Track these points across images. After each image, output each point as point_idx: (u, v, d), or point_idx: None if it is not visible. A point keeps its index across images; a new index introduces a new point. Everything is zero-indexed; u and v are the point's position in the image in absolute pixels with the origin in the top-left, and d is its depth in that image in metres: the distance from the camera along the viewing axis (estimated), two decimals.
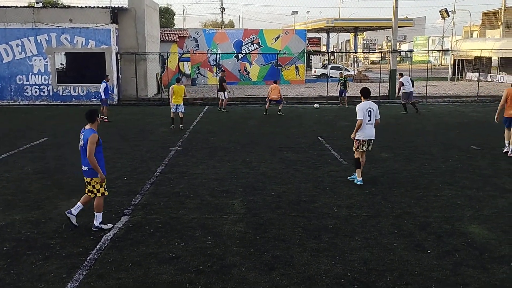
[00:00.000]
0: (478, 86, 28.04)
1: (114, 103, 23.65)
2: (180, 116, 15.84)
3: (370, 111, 8.63)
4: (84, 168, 6.42)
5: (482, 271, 5.21)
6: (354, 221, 6.85)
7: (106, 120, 17.35)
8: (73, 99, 24.14)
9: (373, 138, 8.78)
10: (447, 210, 7.32)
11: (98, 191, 6.46)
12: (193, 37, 36.05)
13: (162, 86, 28.21)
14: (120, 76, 24.94)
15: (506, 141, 11.40)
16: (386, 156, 11.29)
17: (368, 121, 8.65)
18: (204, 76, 36.47)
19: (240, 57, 36.49)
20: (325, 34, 62.98)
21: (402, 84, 19.98)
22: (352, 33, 61.40)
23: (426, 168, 10.05)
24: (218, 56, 34.54)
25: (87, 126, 6.50)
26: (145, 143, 13.15)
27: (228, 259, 5.56)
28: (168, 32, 35.65)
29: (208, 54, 35.44)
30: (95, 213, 6.49)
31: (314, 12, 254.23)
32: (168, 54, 30.00)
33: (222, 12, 63.71)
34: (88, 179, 6.44)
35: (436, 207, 7.47)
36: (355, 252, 5.77)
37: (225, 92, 21.05)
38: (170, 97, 15.90)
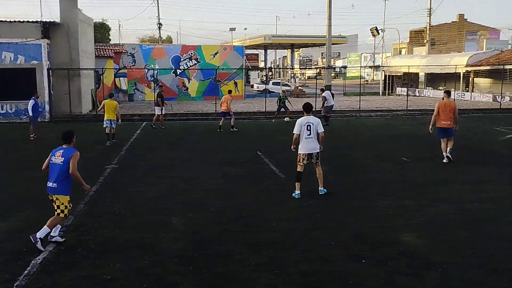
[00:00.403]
0: (407, 100, 29.48)
1: (46, 120, 22.67)
2: (112, 132, 15.69)
3: (309, 125, 8.77)
4: (53, 185, 6.43)
5: (414, 278, 5.43)
6: (294, 234, 6.93)
7: (32, 137, 16.61)
8: (1, 116, 22.88)
9: (315, 151, 8.86)
10: (381, 220, 7.59)
11: (62, 211, 6.44)
12: (130, 53, 35.41)
13: (97, 102, 27.39)
14: (52, 92, 23.98)
15: (444, 151, 12.15)
16: (323, 169, 11.53)
17: (308, 135, 8.77)
18: (141, 92, 35.83)
19: (178, 73, 36.24)
20: (263, 50, 64.08)
21: (325, 98, 21.04)
22: (288, 50, 62.84)
23: (361, 180, 10.38)
24: (156, 72, 34.11)
25: (65, 146, 6.67)
26: (79, 162, 12.63)
27: (167, 278, 5.44)
28: (103, 47, 34.83)
29: (146, 70, 34.92)
30: (45, 226, 6.31)
31: (251, 29, 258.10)
32: (104, 69, 29.26)
33: (159, 27, 63.15)
34: (55, 197, 6.42)
35: (371, 217, 7.73)
36: (295, 265, 5.83)
37: (162, 108, 20.59)
38: (100, 110, 15.85)
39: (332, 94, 21.99)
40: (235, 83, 37.77)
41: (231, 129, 18.90)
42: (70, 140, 6.75)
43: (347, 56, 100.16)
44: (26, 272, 5.57)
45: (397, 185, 9.90)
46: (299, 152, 8.90)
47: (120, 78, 34.61)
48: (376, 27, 52.84)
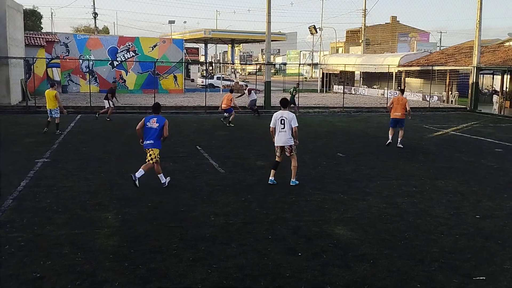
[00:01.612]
0: (343, 98, 30.42)
1: None
2: (56, 122, 15.69)
3: (282, 119, 9.34)
4: (150, 142, 9.07)
5: (346, 270, 5.63)
6: (231, 229, 6.97)
7: None
8: None
9: (288, 144, 9.38)
10: (316, 213, 7.80)
11: (154, 159, 9.13)
12: (63, 42, 33.93)
13: (28, 93, 26.05)
14: None
15: (390, 135, 14.58)
16: (261, 164, 11.70)
17: (282, 128, 9.36)
18: (76, 83, 34.48)
19: (115, 65, 35.19)
20: (203, 44, 63.59)
21: (249, 92, 23.68)
22: (229, 45, 62.75)
23: (298, 175, 10.58)
24: (91, 63, 32.92)
25: (155, 114, 9.24)
26: (7, 155, 12.02)
27: (100, 275, 5.30)
28: (34, 36, 33.10)
29: (80, 61, 33.61)
30: (140, 169, 9.02)
31: (191, 23, 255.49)
32: (34, 59, 27.84)
33: (95, 17, 60.96)
34: (151, 151, 9.11)
35: (307, 211, 7.92)
36: (231, 259, 5.87)
37: (110, 101, 20.57)
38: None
39: (254, 89, 24.62)
40: (175, 77, 37.26)
41: (228, 125, 19.12)
42: (159, 111, 9.34)
43: (287, 53, 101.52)
44: None
45: (332, 180, 10.20)
46: (275, 144, 9.52)
47: (53, 68, 33.08)
48: (314, 25, 54.02)
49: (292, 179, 9.61)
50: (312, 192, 9.15)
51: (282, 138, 9.42)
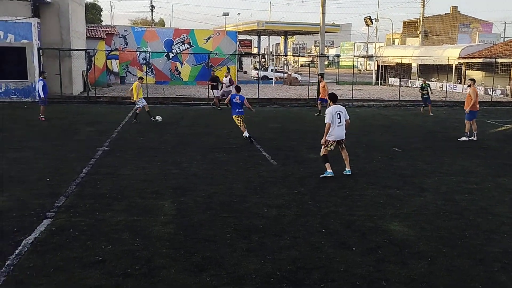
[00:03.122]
0: (400, 91, 29.60)
1: (36, 100, 22.44)
2: (137, 111, 17.03)
3: (339, 113, 9.40)
4: (239, 111, 13.46)
5: (402, 266, 5.51)
6: (283, 221, 6.97)
7: (43, 119, 16.52)
8: None
9: (344, 138, 9.58)
10: (370, 208, 7.66)
11: (243, 123, 13.60)
12: (122, 35, 35.06)
13: (88, 84, 27.17)
14: (45, 71, 23.69)
15: (467, 132, 14.45)
16: (314, 157, 11.60)
17: (339, 123, 9.39)
18: (133, 74, 35.54)
19: (171, 57, 35.97)
20: (256, 36, 63.68)
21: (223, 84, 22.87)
22: (282, 37, 62.49)
23: (352, 169, 10.43)
24: (148, 54, 33.82)
25: (238, 93, 13.73)
26: (70, 143, 12.60)
27: (157, 261, 5.46)
28: (95, 28, 34.40)
29: (138, 53, 34.61)
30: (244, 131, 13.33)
31: (245, 15, 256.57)
32: (95, 51, 28.95)
33: (151, 10, 62.51)
34: (241, 117, 13.51)
35: (361, 206, 7.79)
36: (284, 251, 5.88)
37: (214, 90, 22.14)
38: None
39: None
40: (228, 69, 37.60)
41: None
42: (240, 90, 13.92)
43: (341, 44, 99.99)
44: (17, 251, 5.57)
45: (387, 175, 9.97)
46: (327, 139, 9.44)
47: (112, 60, 34.31)
48: (370, 16, 52.80)
49: (347, 169, 9.76)
50: (366, 186, 8.99)
51: (340, 132, 9.46)
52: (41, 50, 23.23)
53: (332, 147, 9.52)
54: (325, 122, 9.45)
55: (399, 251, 5.94)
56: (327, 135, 9.46)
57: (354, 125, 17.80)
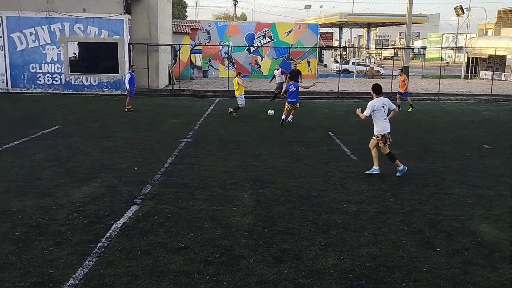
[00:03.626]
0: (492, 84, 27.73)
1: (125, 93, 23.76)
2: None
3: (384, 106, 8.95)
4: (294, 100, 14.75)
5: (492, 270, 5.18)
6: (363, 217, 6.83)
7: (127, 109, 17.56)
8: (85, 88, 24.27)
9: (389, 130, 9.10)
10: (457, 208, 7.28)
11: (296, 108, 15.07)
12: (205, 29, 36.04)
13: (173, 77, 28.27)
14: (135, 66, 25.04)
15: None
16: (397, 153, 11.19)
17: (384, 118, 8.97)
18: (215, 68, 36.48)
19: (252, 50, 36.42)
20: (338, 29, 62.61)
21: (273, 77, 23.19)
22: (365, 29, 60.92)
23: (437, 166, 9.98)
24: (230, 49, 34.49)
25: (291, 82, 15.06)
26: (155, 134, 13.21)
27: (237, 250, 5.58)
28: (180, 23, 35.65)
29: (220, 47, 35.41)
30: (283, 115, 14.77)
31: (327, 7, 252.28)
32: (180, 45, 30.03)
33: (235, 4, 63.58)
34: (293, 106, 14.82)
35: (447, 205, 7.42)
36: (364, 247, 5.76)
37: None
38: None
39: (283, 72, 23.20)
40: (308, 62, 37.39)
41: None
42: (297, 79, 15.08)
43: (427, 36, 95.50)
44: (107, 234, 5.95)
45: (476, 173, 9.41)
46: (381, 134, 8.96)
47: (196, 54, 35.39)
48: (461, 5, 49.90)
49: (375, 167, 9.23)
50: (453, 185, 8.54)
51: (388, 125, 9.02)
52: (131, 45, 24.52)
53: (390, 140, 9.13)
54: (364, 114, 9.04)
55: (488, 254, 5.59)
56: (378, 131, 8.99)
57: (441, 120, 17.02)
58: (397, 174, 9.07)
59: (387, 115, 9.08)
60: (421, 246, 5.83)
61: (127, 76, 18.05)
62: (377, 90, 9.07)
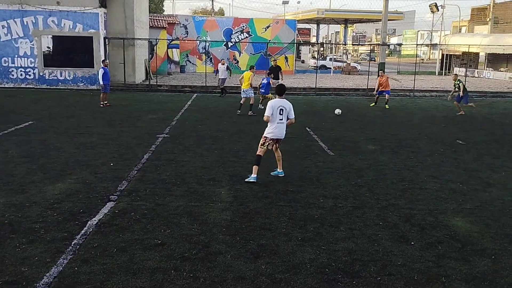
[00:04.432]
0: (465, 81, 28.22)
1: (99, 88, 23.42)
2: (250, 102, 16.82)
3: (281, 109, 8.21)
4: (263, 91, 15.89)
5: (464, 263, 5.30)
6: (340, 212, 6.89)
7: (102, 105, 17.32)
8: (59, 83, 23.83)
9: (282, 137, 8.43)
10: (431, 202, 7.41)
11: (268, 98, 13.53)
12: (183, 24, 35.75)
13: (150, 72, 27.98)
14: (108, 61, 24.67)
15: None
16: (373, 148, 11.37)
17: (280, 120, 8.23)
18: (193, 63, 36.25)
19: (229, 46, 36.30)
20: (315, 25, 62.89)
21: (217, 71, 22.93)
22: (342, 25, 61.30)
23: (412, 161, 10.14)
24: (207, 44, 34.31)
25: (268, 76, 14.50)
26: (132, 130, 13.06)
27: (214, 246, 5.57)
28: (157, 18, 35.28)
29: (198, 42, 35.19)
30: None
31: (304, 3, 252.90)
32: (157, 40, 29.73)
33: None
34: (268, 95, 13.73)
35: (421, 199, 7.56)
36: (340, 242, 5.82)
37: (278, 81, 21.68)
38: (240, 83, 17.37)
39: (230, 70, 23.19)
40: (286, 58, 37.46)
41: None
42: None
43: (403, 33, 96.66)
44: (82, 232, 5.86)
45: (450, 168, 9.60)
46: (265, 135, 8.32)
47: (173, 49, 35.08)
48: (435, 3, 50.62)
49: (279, 169, 8.67)
50: (427, 180, 8.70)
51: (280, 131, 8.28)
52: (106, 40, 24.15)
53: (269, 147, 8.35)
54: (265, 114, 8.27)
55: (461, 248, 5.72)
56: (267, 132, 8.33)
57: (416, 116, 17.28)
58: (246, 179, 8.28)
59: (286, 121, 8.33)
60: (396, 240, 5.92)
61: (101, 71, 17.76)
62: (278, 91, 8.42)
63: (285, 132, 8.40)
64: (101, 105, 17.42)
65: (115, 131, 12.81)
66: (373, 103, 19.87)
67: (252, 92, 16.84)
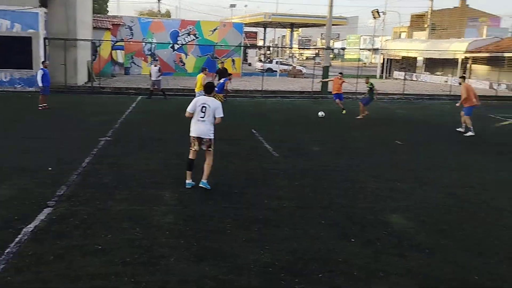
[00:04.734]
0: (404, 84, 29.47)
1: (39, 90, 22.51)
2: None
3: (204, 106, 7.83)
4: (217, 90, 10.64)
5: (400, 258, 5.52)
6: (284, 212, 6.99)
7: (41, 107, 16.62)
8: None
9: (206, 137, 7.91)
10: (371, 201, 7.67)
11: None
12: (128, 25, 35.00)
13: (93, 74, 27.18)
14: (48, 62, 23.73)
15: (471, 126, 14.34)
16: (317, 150, 11.61)
17: (201, 117, 7.85)
18: (138, 65, 35.55)
19: (176, 48, 35.92)
20: (262, 28, 63.40)
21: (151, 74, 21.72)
22: (288, 29, 62.18)
23: (354, 161, 10.44)
24: (153, 45, 33.77)
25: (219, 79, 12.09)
26: (73, 133, 12.64)
27: (157, 250, 5.49)
28: (101, 19, 34.35)
29: (143, 44, 34.58)
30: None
31: (252, 6, 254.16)
32: (101, 41, 28.94)
33: (158, 1, 62.35)
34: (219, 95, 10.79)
35: (361, 198, 7.80)
36: (284, 242, 5.90)
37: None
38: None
39: (160, 71, 22.31)
40: (233, 61, 37.52)
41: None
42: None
43: (347, 37, 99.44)
44: (17, 239, 5.60)
45: (389, 168, 9.96)
46: (191, 135, 8.02)
47: (117, 50, 34.28)
48: (377, 9, 52.34)
49: (202, 180, 7.91)
50: (367, 179, 8.99)
51: (201, 128, 7.87)
52: (47, 40, 23.25)
53: (196, 147, 7.98)
54: (187, 110, 8.01)
55: (398, 243, 5.95)
56: (191, 131, 8.01)
57: (356, 119, 17.78)
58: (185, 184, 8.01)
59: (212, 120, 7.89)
60: (337, 238, 6.08)
61: (40, 73, 17.05)
62: (206, 88, 8.22)
63: (210, 131, 7.87)
64: (40, 108, 16.74)
65: (55, 134, 12.35)
66: (344, 110, 18.62)
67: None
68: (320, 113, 15.77)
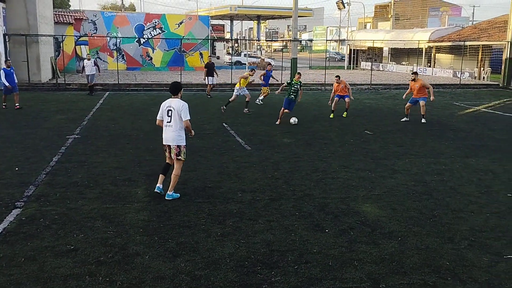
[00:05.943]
0: (371, 75, 29.91)
1: (1, 88, 21.76)
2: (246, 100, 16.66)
3: (169, 110, 7.03)
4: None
5: (374, 246, 5.62)
6: (258, 205, 7.01)
7: (17, 107, 16.07)
8: None
9: (173, 144, 7.09)
10: (343, 191, 7.77)
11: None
12: (91, 20, 34.23)
13: (57, 70, 26.50)
14: (10, 61, 22.95)
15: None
16: (288, 142, 11.67)
17: (168, 122, 7.06)
18: (104, 61, 34.83)
19: (142, 42, 35.37)
20: (229, 21, 63.11)
21: (83, 68, 21.61)
22: (255, 21, 62.13)
23: (325, 152, 10.55)
24: (118, 40, 33.15)
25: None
26: (39, 131, 12.32)
27: (131, 248, 5.43)
28: (63, 13, 33.47)
29: (108, 38, 33.90)
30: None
31: None
32: (64, 37, 28.20)
33: None
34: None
35: (334, 188, 7.90)
36: (258, 234, 5.92)
37: (213, 78, 21.31)
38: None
39: (98, 66, 22.35)
40: (201, 54, 37.23)
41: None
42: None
43: (313, 29, 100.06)
44: None
45: (359, 158, 10.12)
46: (163, 142, 7.30)
47: (81, 46, 33.49)
48: (342, 0, 52.86)
49: (168, 192, 7.16)
50: (339, 169, 9.10)
51: (169, 135, 7.08)
52: (6, 36, 22.49)
53: (167, 153, 7.24)
54: (157, 118, 7.27)
55: (370, 232, 6.06)
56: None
57: (326, 109, 17.95)
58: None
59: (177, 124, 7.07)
60: (312, 229, 6.15)
61: (2, 73, 16.37)
62: (171, 89, 7.16)
63: (179, 137, 7.07)
64: (3, 106, 16.21)
65: (20, 133, 12.01)
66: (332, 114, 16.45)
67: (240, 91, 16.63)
68: (292, 120, 14.59)
